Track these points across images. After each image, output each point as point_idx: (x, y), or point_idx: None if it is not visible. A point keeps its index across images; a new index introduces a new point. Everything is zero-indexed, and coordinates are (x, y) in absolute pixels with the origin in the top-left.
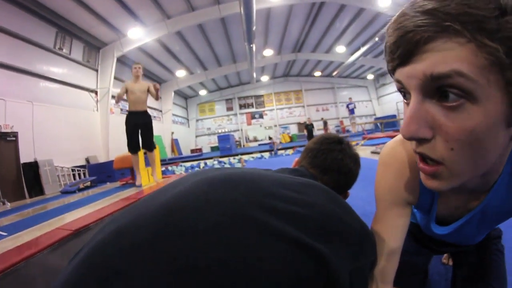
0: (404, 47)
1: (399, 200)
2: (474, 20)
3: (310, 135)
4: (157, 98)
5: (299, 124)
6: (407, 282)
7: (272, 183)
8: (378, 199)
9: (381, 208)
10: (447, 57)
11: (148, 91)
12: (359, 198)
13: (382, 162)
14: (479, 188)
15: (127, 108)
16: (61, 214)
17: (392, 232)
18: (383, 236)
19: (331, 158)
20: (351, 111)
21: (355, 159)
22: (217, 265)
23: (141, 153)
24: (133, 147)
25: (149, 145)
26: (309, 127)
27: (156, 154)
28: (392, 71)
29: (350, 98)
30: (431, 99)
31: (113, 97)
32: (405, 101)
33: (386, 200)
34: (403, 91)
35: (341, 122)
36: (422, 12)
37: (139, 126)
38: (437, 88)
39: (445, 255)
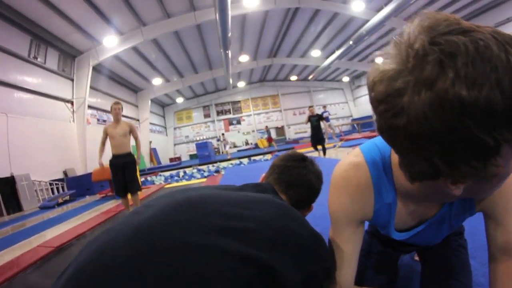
0: None
1: (354, 220)
2: None
3: (316, 132)
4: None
5: (277, 128)
6: (378, 280)
7: (226, 203)
8: (334, 219)
9: (336, 227)
10: None
11: (130, 133)
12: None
13: (336, 185)
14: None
15: (110, 150)
16: (42, 231)
17: (348, 248)
18: (340, 252)
19: (296, 174)
20: (326, 119)
21: (318, 175)
22: (172, 279)
23: None
24: (120, 191)
25: (131, 187)
26: (313, 120)
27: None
28: None
29: (324, 107)
30: None
31: (89, 107)
32: None
33: (342, 221)
34: None
35: None
36: None
37: (122, 169)
38: None
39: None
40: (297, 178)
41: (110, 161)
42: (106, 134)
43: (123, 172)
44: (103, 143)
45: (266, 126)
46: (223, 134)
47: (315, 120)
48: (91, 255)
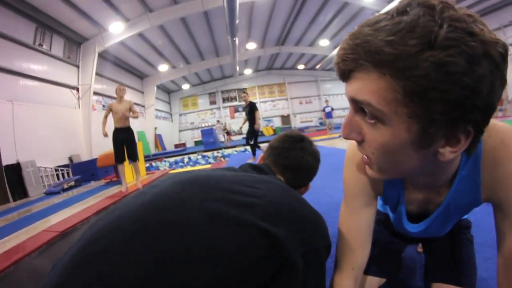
0: (339, 72)
1: (369, 192)
2: (388, 59)
3: (249, 125)
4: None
5: (282, 117)
6: (381, 269)
7: (230, 181)
8: (349, 193)
9: (351, 202)
10: (364, 87)
11: (130, 110)
12: (335, 187)
13: (351, 161)
14: (432, 185)
15: (113, 123)
16: (47, 216)
17: (363, 227)
18: (354, 233)
19: (292, 157)
20: (328, 115)
21: (315, 156)
22: (185, 252)
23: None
24: (119, 159)
25: (133, 157)
26: (247, 112)
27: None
28: None
29: (326, 101)
30: (360, 113)
31: (95, 93)
32: None
33: (358, 193)
34: None
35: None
36: (350, 46)
37: (123, 141)
38: (361, 107)
39: (420, 244)
40: (293, 161)
41: (113, 133)
42: (110, 109)
43: (123, 144)
44: (106, 117)
45: (225, 123)
46: (218, 121)
47: (247, 112)
48: (98, 232)
